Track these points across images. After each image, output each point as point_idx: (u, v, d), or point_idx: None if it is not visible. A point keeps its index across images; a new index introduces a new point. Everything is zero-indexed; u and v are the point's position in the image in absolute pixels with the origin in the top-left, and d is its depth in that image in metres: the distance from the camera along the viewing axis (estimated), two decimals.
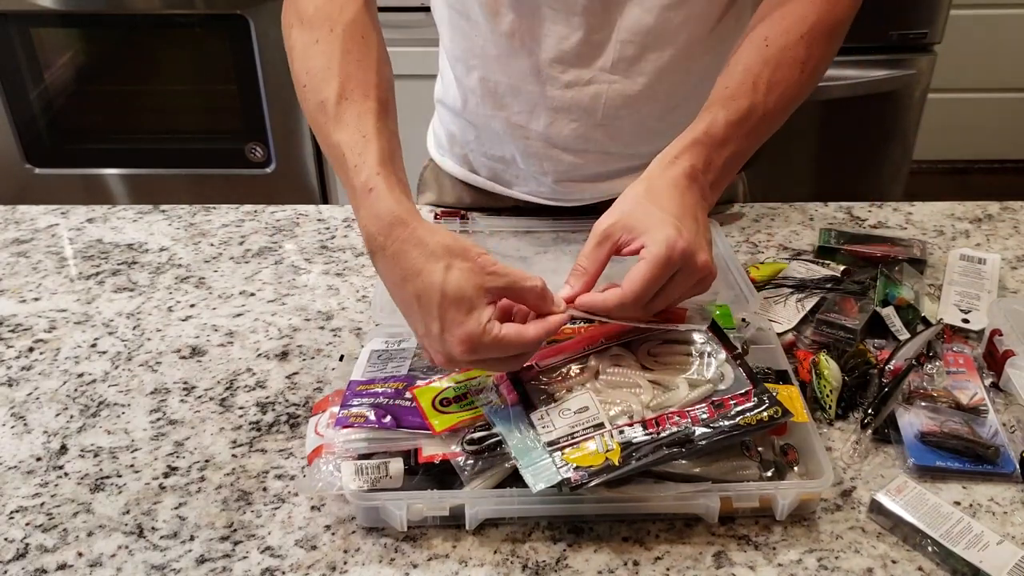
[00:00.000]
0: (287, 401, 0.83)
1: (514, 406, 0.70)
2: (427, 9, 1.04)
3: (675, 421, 0.68)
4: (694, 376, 0.73)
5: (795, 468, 0.71)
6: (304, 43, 0.79)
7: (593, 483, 0.64)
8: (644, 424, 0.68)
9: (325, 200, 2.34)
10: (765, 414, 0.69)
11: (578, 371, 0.73)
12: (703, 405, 0.70)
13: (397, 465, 0.68)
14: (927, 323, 0.89)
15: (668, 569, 0.66)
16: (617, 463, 0.65)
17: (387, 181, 0.71)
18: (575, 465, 0.65)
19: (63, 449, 0.78)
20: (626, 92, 0.94)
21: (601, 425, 0.68)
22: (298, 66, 0.80)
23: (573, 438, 0.67)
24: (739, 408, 0.69)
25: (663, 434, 0.67)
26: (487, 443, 0.69)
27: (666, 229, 0.70)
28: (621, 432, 0.68)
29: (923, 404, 0.79)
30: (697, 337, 0.76)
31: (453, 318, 0.66)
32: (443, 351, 0.68)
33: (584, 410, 0.69)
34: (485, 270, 0.68)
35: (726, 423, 0.68)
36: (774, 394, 0.71)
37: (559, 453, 0.66)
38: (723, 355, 0.74)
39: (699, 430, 0.68)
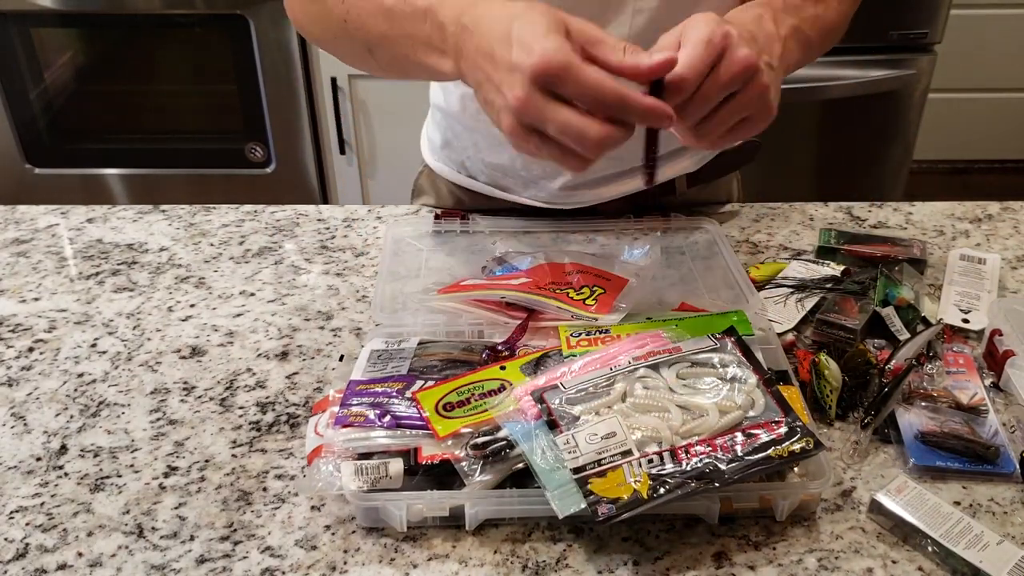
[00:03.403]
0: (287, 401, 0.83)
1: (536, 421, 0.69)
2: None
3: (705, 451, 0.67)
4: (724, 402, 0.71)
5: (795, 468, 0.71)
6: None
7: (623, 516, 0.63)
8: (673, 453, 0.67)
9: (325, 200, 2.34)
10: (797, 446, 0.67)
11: (605, 393, 0.72)
12: (733, 435, 0.68)
13: (397, 465, 0.68)
14: (927, 323, 0.89)
15: (668, 569, 0.66)
16: (646, 496, 0.64)
17: None
18: (603, 497, 0.64)
19: (63, 449, 0.78)
20: None
21: (629, 452, 0.66)
22: (338, 10, 0.81)
23: (600, 464, 0.66)
24: (770, 438, 0.68)
25: (691, 465, 0.66)
26: (492, 447, 0.69)
27: (711, 18, 0.67)
28: (650, 461, 0.66)
29: (923, 404, 0.79)
30: (728, 359, 0.75)
31: (528, 37, 0.62)
32: (519, 83, 0.63)
33: (611, 436, 0.68)
34: (566, 15, 0.65)
35: (757, 455, 0.67)
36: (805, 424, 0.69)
37: (585, 480, 0.65)
38: (753, 380, 0.73)
39: (729, 463, 0.66)
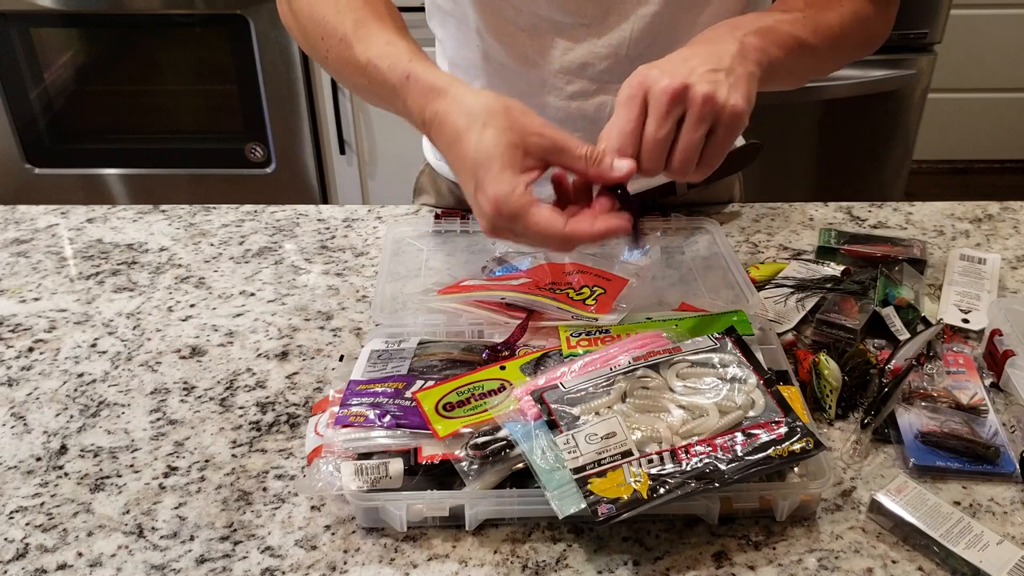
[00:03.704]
0: (287, 401, 0.83)
1: (536, 421, 0.69)
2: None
3: (705, 452, 0.67)
4: (724, 402, 0.71)
5: (795, 468, 0.71)
6: (308, 2, 0.82)
7: (623, 516, 0.63)
8: (673, 453, 0.67)
9: (325, 200, 2.34)
10: (797, 446, 0.67)
11: (605, 393, 0.72)
12: (733, 435, 0.68)
13: (397, 465, 0.68)
14: (927, 323, 0.89)
15: (668, 569, 0.66)
16: (646, 496, 0.64)
17: (422, 64, 0.72)
18: (603, 497, 0.63)
19: (63, 449, 0.78)
20: None
21: (629, 452, 0.66)
22: (309, 25, 0.82)
23: (600, 464, 0.66)
24: (770, 438, 0.68)
25: (691, 465, 0.66)
26: (492, 447, 0.69)
27: (632, 76, 0.69)
28: (650, 461, 0.66)
29: (923, 404, 0.79)
30: (728, 360, 0.75)
31: (484, 177, 0.66)
32: (481, 214, 0.67)
33: (611, 436, 0.67)
34: (526, 130, 0.66)
35: (757, 455, 0.67)
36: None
37: (585, 480, 0.65)
38: (753, 380, 0.73)
39: (729, 463, 0.66)
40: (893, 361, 0.82)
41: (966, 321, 0.90)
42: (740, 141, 1.13)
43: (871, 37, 0.90)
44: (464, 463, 0.68)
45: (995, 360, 0.84)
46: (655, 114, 0.67)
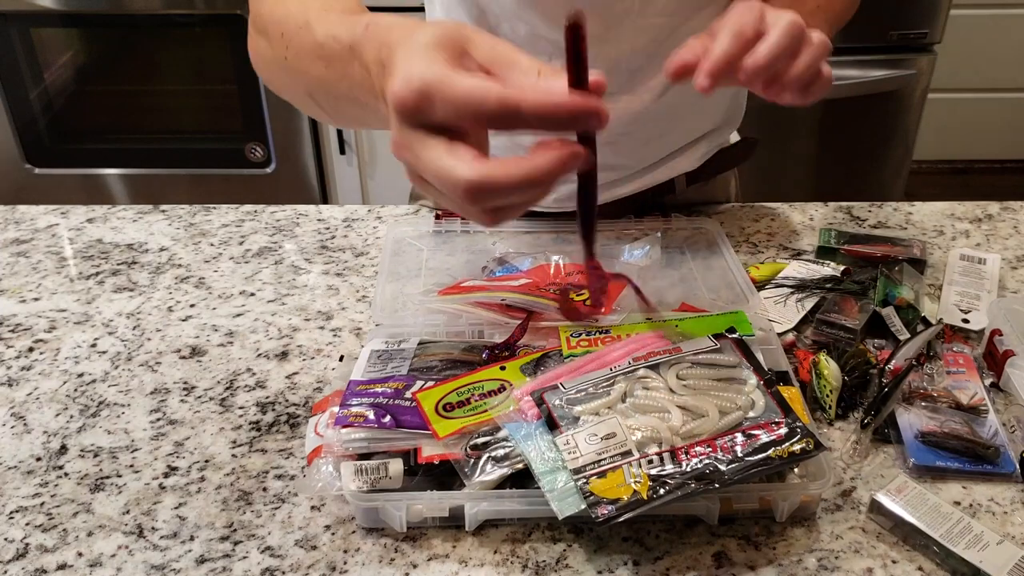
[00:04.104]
0: (287, 401, 0.83)
1: (535, 421, 0.69)
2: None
3: (705, 452, 0.67)
4: (724, 403, 0.71)
5: (795, 469, 0.71)
6: (271, 7, 0.76)
7: (623, 517, 0.62)
8: (673, 454, 0.67)
9: (325, 200, 2.34)
10: (797, 447, 0.67)
11: (605, 393, 0.72)
12: (733, 436, 0.68)
13: (397, 465, 0.68)
14: (927, 323, 0.89)
15: (668, 569, 0.66)
16: (646, 496, 0.64)
17: (383, 15, 0.61)
18: (603, 498, 0.63)
19: (63, 449, 0.78)
20: (632, 109, 0.94)
21: (629, 453, 0.66)
22: (271, 28, 0.75)
23: (600, 465, 0.66)
24: (770, 439, 0.68)
25: (691, 466, 0.66)
26: (492, 447, 0.69)
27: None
28: (650, 462, 0.66)
29: (923, 404, 0.79)
30: (728, 360, 0.75)
31: (401, 56, 0.51)
32: (391, 119, 0.51)
33: (611, 436, 0.67)
34: (473, 35, 0.52)
35: (757, 456, 0.66)
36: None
37: (585, 481, 0.65)
38: (754, 380, 0.73)
39: (729, 464, 0.66)
40: (893, 361, 0.82)
41: (966, 321, 0.90)
42: (736, 137, 1.13)
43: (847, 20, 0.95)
44: (464, 463, 0.68)
45: (995, 360, 0.84)
46: (782, 31, 0.64)
